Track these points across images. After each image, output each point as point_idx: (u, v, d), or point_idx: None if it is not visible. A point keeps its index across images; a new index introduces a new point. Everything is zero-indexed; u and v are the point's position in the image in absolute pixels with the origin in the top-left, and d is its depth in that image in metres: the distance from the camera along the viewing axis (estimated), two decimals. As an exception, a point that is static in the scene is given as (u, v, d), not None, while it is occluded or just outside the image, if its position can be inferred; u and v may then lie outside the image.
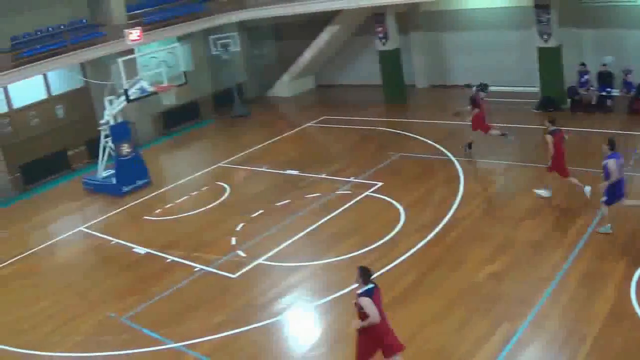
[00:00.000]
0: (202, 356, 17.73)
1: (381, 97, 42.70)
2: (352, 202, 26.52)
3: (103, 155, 33.24)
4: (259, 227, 25.71)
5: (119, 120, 32.47)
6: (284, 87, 49.68)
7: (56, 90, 40.71)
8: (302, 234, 24.38)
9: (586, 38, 35.92)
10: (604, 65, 34.10)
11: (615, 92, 33.65)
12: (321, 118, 40.98)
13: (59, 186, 36.15)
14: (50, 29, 37.58)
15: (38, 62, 35.30)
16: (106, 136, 32.47)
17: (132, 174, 32.51)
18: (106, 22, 39.85)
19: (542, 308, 17.16)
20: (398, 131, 34.00)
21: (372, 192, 27.17)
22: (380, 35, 41.57)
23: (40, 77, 38.71)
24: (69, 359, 18.90)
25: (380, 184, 27.82)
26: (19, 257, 26.99)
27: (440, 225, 23.07)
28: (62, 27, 37.78)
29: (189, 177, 33.48)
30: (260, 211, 27.17)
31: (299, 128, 39.86)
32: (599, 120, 31.93)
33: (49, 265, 26.19)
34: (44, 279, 24.88)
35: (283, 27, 50.12)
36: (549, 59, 34.86)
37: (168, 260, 24.11)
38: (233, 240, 24.75)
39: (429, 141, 31.95)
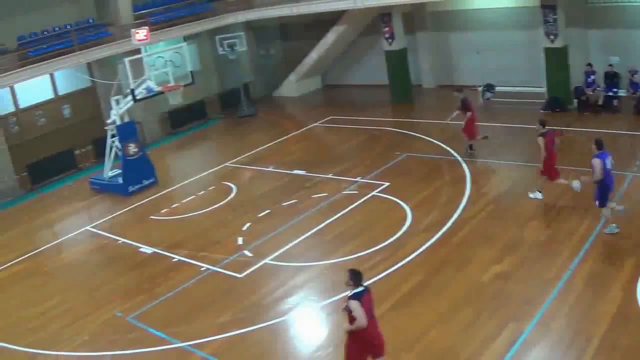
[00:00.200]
0: (208, 356, 17.74)
1: (388, 97, 42.73)
2: (358, 202, 26.51)
3: (109, 155, 33.28)
4: (265, 227, 25.72)
5: (126, 119, 32.50)
6: (291, 87, 49.73)
7: (63, 90, 40.72)
8: (308, 234, 24.38)
9: (593, 38, 35.88)
10: (611, 65, 34.06)
11: (622, 93, 33.61)
12: (328, 118, 40.99)
13: (65, 186, 36.20)
14: (56, 28, 37.69)
15: (45, 62, 35.40)
16: (113, 136, 32.51)
17: (139, 174, 32.56)
18: (113, 21, 39.92)
19: (548, 308, 17.14)
20: (405, 131, 34.00)
21: (378, 192, 27.17)
22: (387, 35, 41.58)
23: (47, 77, 38.76)
24: (75, 358, 18.93)
25: (387, 184, 27.81)
26: (25, 256, 27.04)
27: (447, 226, 23.06)
28: (68, 26, 37.85)
29: (195, 177, 33.51)
30: (267, 211, 27.19)
31: (306, 128, 39.90)
32: (606, 121, 31.90)
33: (56, 264, 26.20)
34: (50, 278, 24.91)
35: (289, 27, 50.19)
36: (556, 60, 34.81)
37: (174, 260, 24.13)
38: (239, 240, 24.77)
39: (436, 141, 31.94)
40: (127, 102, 31.86)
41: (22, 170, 36.23)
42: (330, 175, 30.15)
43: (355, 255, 21.89)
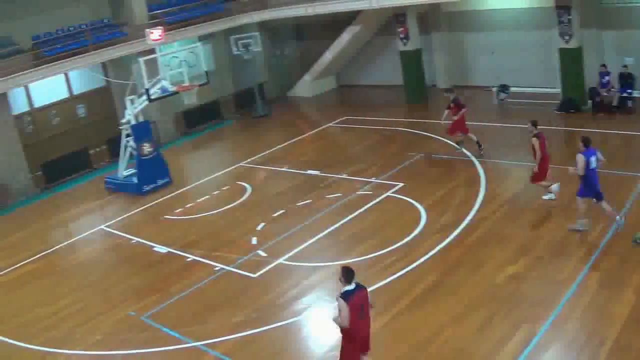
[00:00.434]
0: (222, 355, 17.75)
1: (402, 98, 42.69)
2: (373, 203, 26.47)
3: (123, 155, 33.35)
4: (279, 227, 25.72)
5: (141, 119, 32.55)
6: (306, 87, 49.74)
7: (78, 89, 40.92)
8: (323, 234, 24.36)
9: (607, 39, 35.74)
10: (625, 66, 33.94)
11: (637, 94, 33.50)
12: (342, 118, 40.96)
13: (80, 185, 36.29)
14: (71, 28, 37.78)
15: (59, 62, 35.52)
16: (127, 135, 32.57)
17: (153, 174, 32.62)
18: (127, 21, 40.00)
19: (562, 310, 17.07)
20: (419, 132, 33.94)
21: (393, 192, 27.12)
22: (402, 35, 41.56)
23: (61, 77, 38.93)
24: (89, 357, 18.98)
25: (401, 184, 27.76)
26: (39, 255, 27.15)
27: (462, 227, 22.99)
28: (83, 26, 37.92)
29: (210, 177, 33.56)
30: (281, 211, 27.20)
31: (320, 128, 39.89)
32: (620, 122, 31.82)
33: (70, 263, 26.27)
34: (64, 277, 24.98)
35: (304, 27, 50.22)
36: (570, 60, 34.70)
37: (188, 260, 24.17)
38: (254, 240, 24.77)
39: (450, 142, 31.84)
40: (142, 102, 31.91)
41: (37, 170, 36.38)
42: (344, 176, 30.13)
43: (370, 256, 21.88)
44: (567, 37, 34.18)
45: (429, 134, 33.85)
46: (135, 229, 28.33)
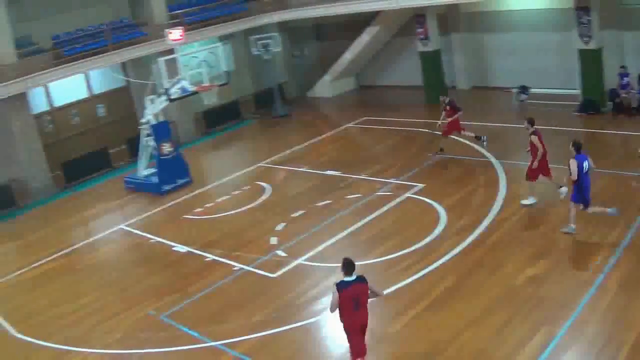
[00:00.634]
0: (241, 355, 17.73)
1: (422, 98, 42.55)
2: (392, 204, 26.41)
3: (142, 154, 33.43)
4: (299, 227, 25.69)
5: (161, 119, 32.61)
6: (325, 87, 49.68)
7: (97, 89, 41.04)
8: (342, 234, 24.32)
9: (627, 40, 35.50)
10: (645, 67, 33.83)
11: (657, 95, 33.38)
12: (362, 119, 40.91)
13: (99, 184, 36.43)
14: (91, 28, 37.87)
15: (79, 62, 35.68)
16: (148, 135, 32.61)
17: (173, 173, 32.67)
18: (147, 21, 40.08)
19: (581, 313, 16.97)
20: (438, 133, 33.82)
21: (412, 193, 27.06)
22: (421, 36, 41.52)
23: (81, 76, 39.06)
24: (108, 356, 19.02)
25: (421, 185, 27.68)
26: (59, 254, 27.27)
27: (481, 228, 22.91)
28: (103, 26, 38.02)
29: (229, 177, 33.57)
30: (301, 211, 27.16)
31: (340, 128, 39.83)
32: (640, 123, 31.71)
33: (90, 262, 26.35)
34: (84, 276, 25.07)
35: (324, 28, 50.22)
36: (590, 61, 34.51)
37: (208, 259, 24.18)
38: (273, 240, 24.77)
39: (470, 143, 31.76)
40: (162, 102, 31.96)
41: (57, 169, 36.50)
42: (364, 176, 30.07)
43: (389, 257, 21.83)
44: (586, 38, 34.02)
45: (448, 135, 33.72)
46: (155, 228, 28.39)
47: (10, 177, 34.49)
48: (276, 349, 17.91)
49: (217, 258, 24.13)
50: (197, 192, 32.11)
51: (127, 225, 29.19)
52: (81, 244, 28.14)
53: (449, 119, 30.35)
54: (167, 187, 32.30)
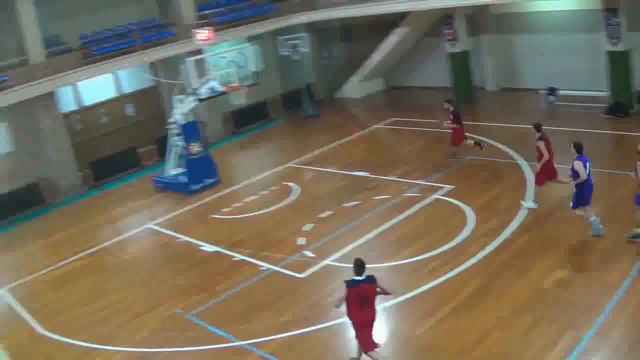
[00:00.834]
0: (268, 355, 17.71)
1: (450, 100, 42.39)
2: (421, 205, 26.28)
3: (170, 154, 33.48)
4: (327, 227, 25.63)
5: (190, 119, 32.63)
6: (354, 88, 49.57)
7: (126, 88, 41.18)
8: (370, 235, 24.23)
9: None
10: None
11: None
12: (390, 119, 40.79)
13: (128, 183, 36.62)
14: (119, 28, 38.01)
15: (107, 61, 35.88)
16: (177, 134, 32.66)
17: (202, 173, 32.70)
18: (176, 22, 40.14)
19: (608, 317, 16.81)
20: (467, 134, 33.66)
21: (441, 195, 26.93)
22: (450, 37, 41.39)
23: (110, 76, 39.19)
24: (135, 354, 19.07)
25: (449, 187, 27.52)
26: (88, 252, 27.43)
27: (509, 230, 22.75)
28: (131, 26, 38.16)
29: (257, 177, 33.57)
30: (329, 212, 27.08)
31: (368, 129, 39.72)
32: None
33: (118, 261, 26.46)
34: (111, 274, 25.17)
35: (352, 28, 50.08)
36: (618, 63, 34.30)
37: (235, 259, 24.17)
38: (301, 240, 24.72)
39: (498, 144, 31.61)
40: (191, 102, 31.98)
41: (85, 168, 36.66)
42: (392, 177, 29.94)
43: (417, 258, 21.72)
44: (615, 40, 33.79)
45: (477, 136, 33.49)
46: (182, 227, 28.43)
47: (39, 175, 34.69)
48: (303, 349, 17.87)
49: (244, 258, 24.11)
50: (225, 192, 32.12)
51: (155, 225, 29.28)
52: (109, 242, 28.25)
53: (452, 126, 30.27)
54: (195, 187, 32.33)
